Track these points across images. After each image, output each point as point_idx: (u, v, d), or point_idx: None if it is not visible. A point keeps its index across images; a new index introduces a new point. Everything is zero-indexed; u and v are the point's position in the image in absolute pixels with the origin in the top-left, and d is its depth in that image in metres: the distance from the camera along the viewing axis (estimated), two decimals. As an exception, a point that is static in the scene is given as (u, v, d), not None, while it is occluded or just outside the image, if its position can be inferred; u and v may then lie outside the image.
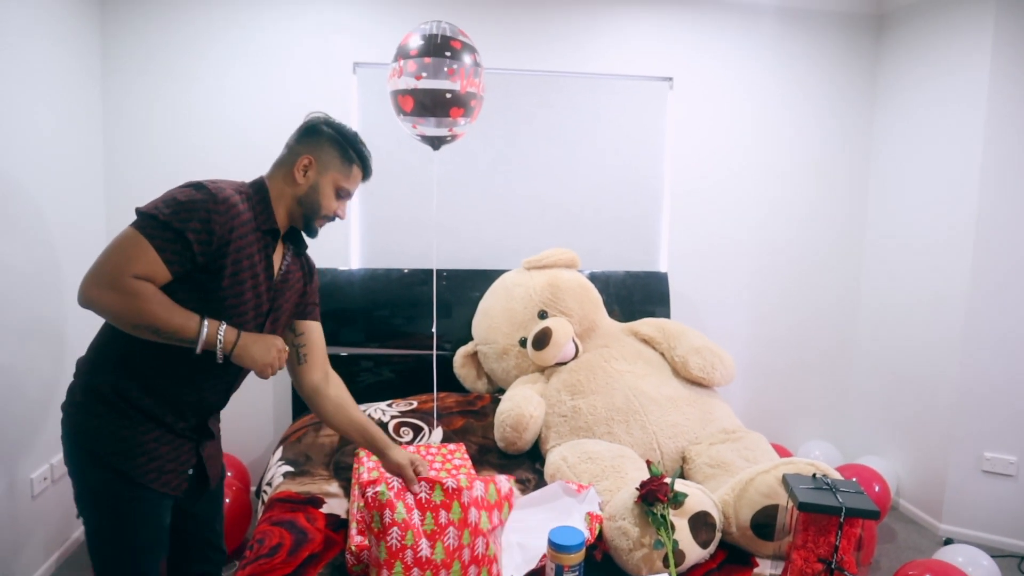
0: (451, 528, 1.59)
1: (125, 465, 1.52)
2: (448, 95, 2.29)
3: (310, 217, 1.69)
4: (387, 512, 1.57)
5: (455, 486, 1.62)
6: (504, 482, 1.69)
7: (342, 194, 1.71)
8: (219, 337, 1.48)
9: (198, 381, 1.59)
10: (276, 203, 1.64)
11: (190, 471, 1.66)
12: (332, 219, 1.73)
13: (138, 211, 1.46)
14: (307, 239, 1.79)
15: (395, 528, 1.57)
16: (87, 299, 1.39)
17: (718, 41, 3.51)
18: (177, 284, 1.47)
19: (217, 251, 1.48)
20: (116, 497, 1.54)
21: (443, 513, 1.60)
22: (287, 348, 1.63)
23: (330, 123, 1.70)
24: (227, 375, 1.66)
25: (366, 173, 1.75)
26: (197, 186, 1.49)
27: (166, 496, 1.60)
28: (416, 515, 1.59)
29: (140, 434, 1.53)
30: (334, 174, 1.68)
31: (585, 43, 3.41)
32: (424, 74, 2.30)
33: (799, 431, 3.85)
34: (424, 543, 1.57)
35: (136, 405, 1.52)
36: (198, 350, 1.46)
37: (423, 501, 1.62)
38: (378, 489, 1.59)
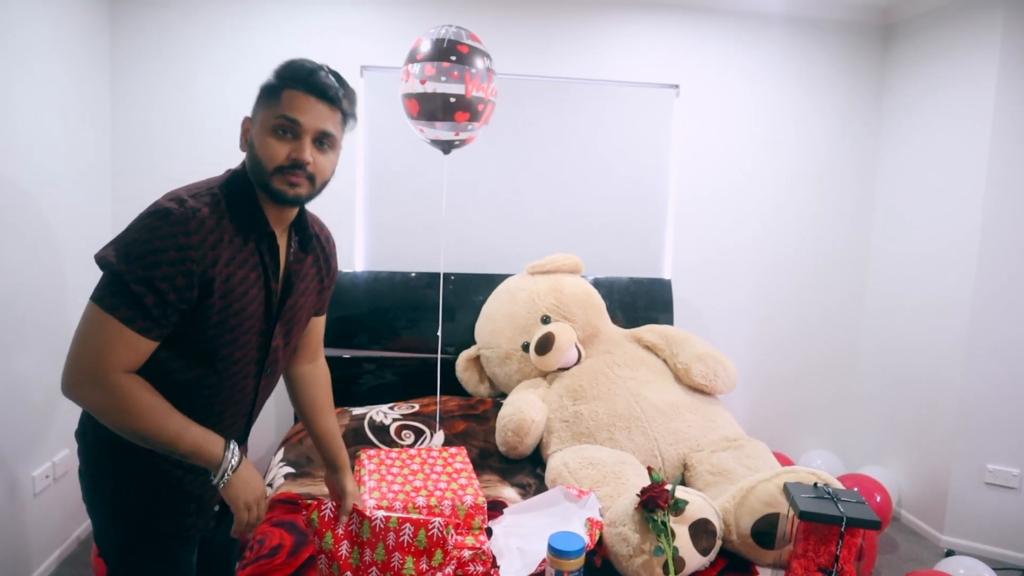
0: (374, 568, 1.54)
1: (153, 519, 1.38)
2: (452, 99, 2.30)
3: (264, 182, 1.33)
4: (316, 539, 1.57)
5: (383, 526, 1.54)
6: (439, 525, 1.55)
7: (282, 130, 1.31)
8: (231, 459, 1.30)
9: (219, 411, 1.41)
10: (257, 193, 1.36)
11: (216, 508, 1.50)
12: (295, 168, 1.31)
13: (98, 261, 1.23)
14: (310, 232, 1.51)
15: (323, 556, 1.57)
16: (71, 396, 1.22)
17: (725, 49, 3.52)
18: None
19: (203, 291, 1.26)
20: (145, 552, 1.40)
21: (368, 551, 1.55)
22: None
23: None
24: (248, 399, 1.47)
25: (312, 88, 1.31)
26: (162, 216, 1.22)
27: (193, 539, 1.48)
28: (345, 546, 1.56)
29: (167, 483, 1.38)
30: (263, 114, 1.32)
31: (593, 49, 3.41)
32: (428, 79, 2.31)
33: (801, 439, 3.84)
34: None
35: (158, 452, 1.32)
36: (216, 477, 1.29)
37: (352, 533, 1.57)
38: (310, 516, 1.56)
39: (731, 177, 3.61)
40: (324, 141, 1.35)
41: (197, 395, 1.36)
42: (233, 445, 1.32)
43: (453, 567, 1.60)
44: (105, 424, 1.24)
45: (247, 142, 1.37)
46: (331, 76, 1.36)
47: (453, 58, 2.30)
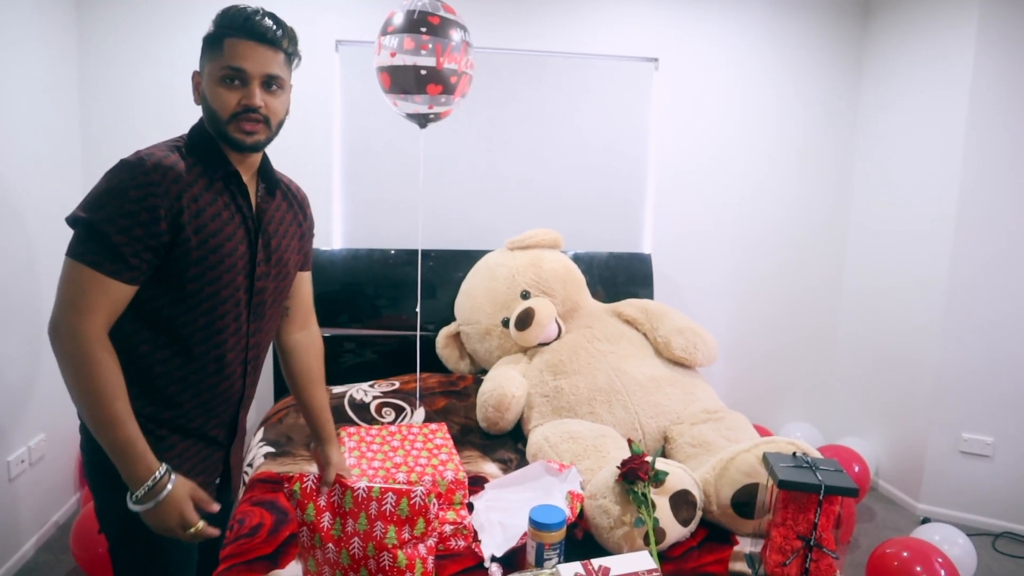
0: (356, 538, 1.53)
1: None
2: (423, 71, 2.27)
3: (220, 129, 1.35)
4: (298, 511, 1.56)
5: (365, 496, 1.53)
6: (420, 494, 1.54)
7: (229, 78, 1.32)
8: (153, 484, 1.26)
9: (203, 371, 1.40)
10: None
11: (217, 481, 1.52)
12: (248, 112, 1.33)
13: (68, 220, 1.26)
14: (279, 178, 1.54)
15: (304, 528, 1.57)
16: (52, 346, 1.25)
17: (704, 22, 3.49)
18: (142, 288, 1.29)
19: (173, 226, 1.27)
20: (139, 521, 1.34)
21: (350, 521, 1.54)
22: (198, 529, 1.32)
23: None
24: (224, 351, 1.42)
25: (250, 34, 1.33)
26: (120, 165, 1.27)
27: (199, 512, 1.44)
28: (327, 518, 1.55)
29: (171, 456, 1.36)
30: (209, 66, 1.34)
31: (571, 22, 3.38)
32: (398, 51, 2.28)
33: (781, 412, 3.87)
34: (331, 547, 1.54)
35: (161, 421, 1.35)
36: (136, 492, 1.26)
37: (334, 505, 1.56)
38: (292, 488, 1.56)
39: (710, 151, 3.60)
40: (272, 83, 1.37)
41: (191, 350, 1.36)
42: (167, 475, 1.29)
43: (435, 539, 1.59)
44: (64, 380, 1.24)
45: (200, 95, 1.38)
46: (268, 18, 1.38)
47: (423, 29, 2.26)
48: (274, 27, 1.37)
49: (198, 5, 3.05)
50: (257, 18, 1.35)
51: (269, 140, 1.41)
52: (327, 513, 1.56)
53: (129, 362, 1.30)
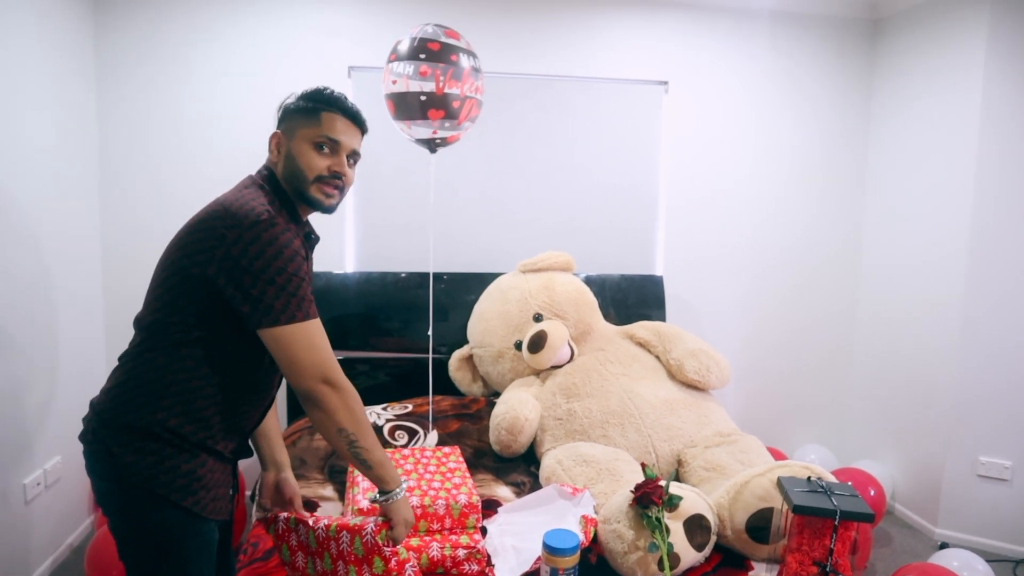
0: None
1: (187, 500, 1.41)
2: (423, 97, 2.30)
3: (301, 190, 1.52)
4: (277, 552, 1.58)
5: (324, 535, 1.51)
6: (371, 531, 1.47)
7: (325, 146, 1.52)
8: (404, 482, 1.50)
9: (244, 401, 1.51)
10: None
11: (231, 491, 1.58)
12: (332, 179, 1.53)
13: (282, 309, 1.37)
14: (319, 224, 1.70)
15: (287, 567, 1.58)
16: (315, 403, 1.39)
17: (713, 45, 3.52)
18: (232, 330, 1.41)
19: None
20: (178, 536, 1.42)
21: (318, 560, 1.53)
22: None
23: (295, 95, 1.57)
24: (269, 386, 1.59)
25: (347, 113, 1.55)
26: (265, 224, 1.37)
27: (218, 522, 1.52)
28: (300, 557, 1.56)
29: (197, 465, 1.43)
30: (302, 132, 1.52)
31: (580, 46, 3.41)
32: (398, 78, 2.32)
33: (795, 435, 3.85)
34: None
35: (186, 437, 1.41)
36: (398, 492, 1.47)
37: (303, 544, 1.56)
38: (268, 530, 1.59)
39: (722, 173, 3.61)
40: (352, 157, 1.58)
41: (239, 384, 1.48)
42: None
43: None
44: (324, 427, 1.41)
45: (282, 154, 1.54)
46: (352, 104, 1.59)
47: (423, 56, 2.30)
48: (360, 112, 1.60)
49: (211, 39, 3.10)
50: (350, 102, 1.57)
51: (339, 204, 1.59)
52: (299, 552, 1.56)
53: (179, 386, 1.40)
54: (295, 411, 3.08)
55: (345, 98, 1.57)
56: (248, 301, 1.35)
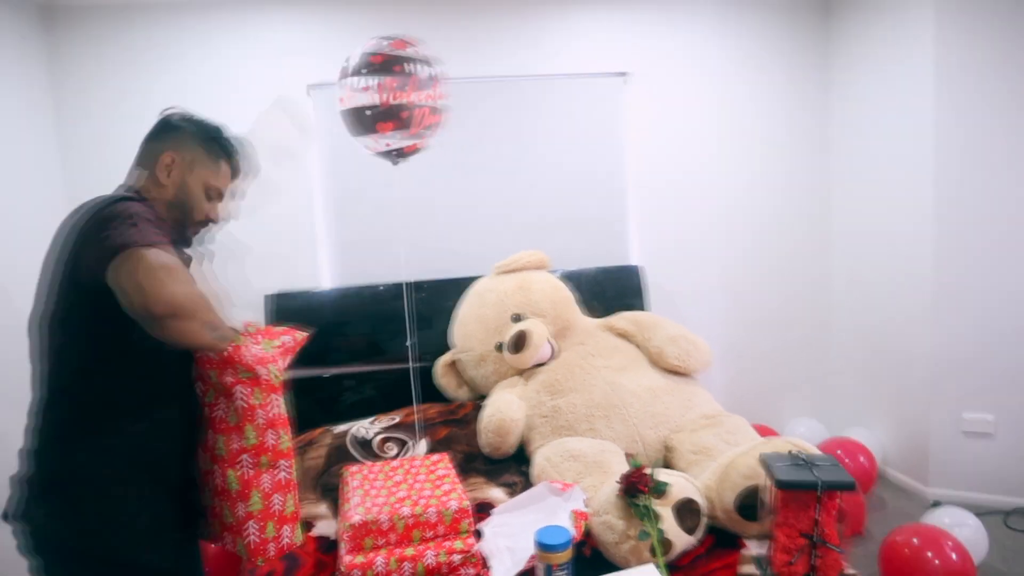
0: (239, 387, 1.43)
1: (129, 553, 1.37)
2: (368, 112, 2.31)
3: (183, 224, 1.53)
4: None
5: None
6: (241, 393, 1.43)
7: (212, 195, 1.55)
8: None
9: (169, 417, 1.46)
10: None
11: (176, 535, 1.51)
12: (207, 224, 1.58)
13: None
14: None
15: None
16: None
17: (669, 33, 3.55)
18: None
19: None
20: None
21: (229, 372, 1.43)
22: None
23: (189, 118, 1.56)
24: (191, 409, 1.49)
25: (235, 170, 1.60)
26: (146, 254, 1.29)
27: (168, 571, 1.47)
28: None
29: (140, 508, 1.39)
30: (201, 171, 1.53)
31: (539, 45, 3.44)
32: (344, 95, 2.35)
33: (784, 410, 3.89)
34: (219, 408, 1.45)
35: (125, 472, 1.38)
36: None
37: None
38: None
39: (687, 158, 3.64)
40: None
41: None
42: None
43: (286, 471, 1.47)
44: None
45: (173, 181, 1.51)
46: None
47: (365, 71, 2.31)
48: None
49: (169, 59, 3.11)
50: (240, 156, 1.60)
51: None
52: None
53: (103, 412, 1.39)
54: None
55: (241, 151, 1.61)
56: None
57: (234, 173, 1.60)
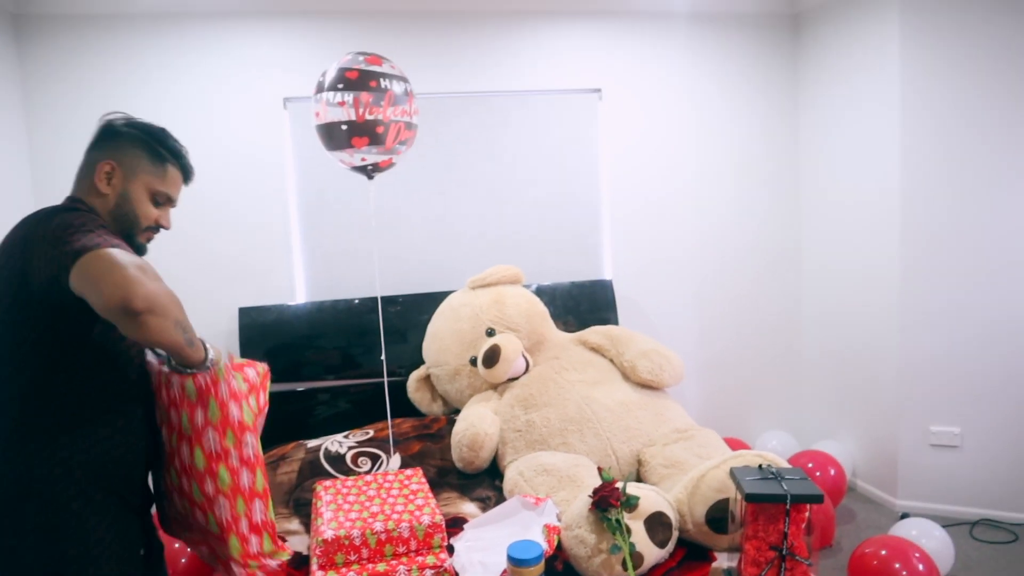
0: (209, 429, 1.44)
1: (83, 565, 1.35)
2: (343, 127, 2.32)
3: (130, 232, 1.51)
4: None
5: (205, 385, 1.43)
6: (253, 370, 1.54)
7: (160, 199, 1.55)
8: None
9: (130, 424, 1.46)
10: None
11: (141, 551, 1.51)
12: (156, 230, 1.58)
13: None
14: None
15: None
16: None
17: (641, 50, 3.60)
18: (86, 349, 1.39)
19: None
20: None
21: (199, 412, 1.43)
22: None
23: (131, 123, 1.54)
24: (146, 415, 1.51)
25: (185, 173, 1.60)
26: (108, 256, 1.30)
27: None
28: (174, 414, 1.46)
29: (90, 528, 1.37)
30: (145, 177, 1.52)
31: (513, 61, 3.46)
32: (320, 110, 2.36)
33: (756, 423, 3.93)
34: (184, 447, 1.45)
35: (79, 484, 1.36)
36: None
37: (175, 398, 1.44)
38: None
39: (660, 174, 3.68)
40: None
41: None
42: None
43: (251, 445, 1.48)
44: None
45: (115, 190, 1.50)
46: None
47: (340, 86, 2.32)
48: (193, 169, 1.64)
49: (143, 73, 3.09)
50: (188, 158, 1.60)
51: None
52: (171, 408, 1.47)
53: (58, 415, 1.39)
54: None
55: (187, 154, 1.61)
56: None
57: (185, 178, 1.61)
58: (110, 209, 1.49)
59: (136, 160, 1.51)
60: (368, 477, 2.32)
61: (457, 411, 2.98)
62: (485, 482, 2.57)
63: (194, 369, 1.40)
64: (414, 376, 3.11)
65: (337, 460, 2.67)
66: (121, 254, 1.29)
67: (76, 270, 1.26)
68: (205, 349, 1.42)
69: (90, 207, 1.47)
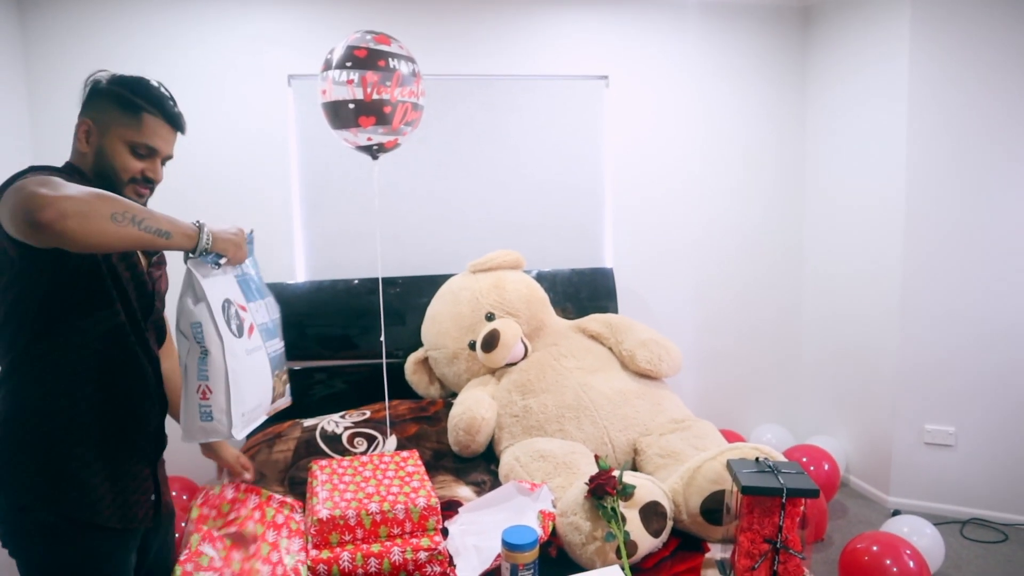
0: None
1: (83, 509, 1.36)
2: (351, 105, 2.30)
3: (114, 187, 1.46)
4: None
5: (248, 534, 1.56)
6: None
7: (141, 151, 1.49)
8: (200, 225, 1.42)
9: (137, 367, 1.52)
10: None
11: (152, 496, 1.53)
12: (145, 182, 1.52)
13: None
14: None
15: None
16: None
17: (650, 38, 3.57)
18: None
19: None
20: (77, 552, 1.36)
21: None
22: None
23: (111, 79, 1.50)
24: (151, 357, 1.58)
25: (171, 120, 1.53)
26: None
27: (133, 533, 1.47)
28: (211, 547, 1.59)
29: (94, 459, 1.39)
30: (118, 130, 1.47)
31: (521, 45, 3.44)
32: (327, 88, 2.33)
33: (751, 416, 3.94)
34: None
35: (83, 424, 1.38)
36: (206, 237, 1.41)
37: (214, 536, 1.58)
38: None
39: (665, 163, 3.67)
40: (166, 160, 1.58)
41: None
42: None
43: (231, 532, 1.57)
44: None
45: (92, 147, 1.48)
46: (175, 103, 1.55)
47: (349, 64, 2.30)
48: (182, 114, 1.56)
49: (146, 52, 3.06)
50: (172, 103, 1.53)
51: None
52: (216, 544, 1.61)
53: (56, 354, 1.42)
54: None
55: (168, 99, 1.53)
56: None
57: (173, 124, 1.54)
58: (91, 166, 1.49)
59: (108, 114, 1.48)
60: (364, 458, 2.32)
61: (454, 394, 2.98)
62: (481, 466, 2.57)
63: (200, 255, 1.43)
64: (412, 358, 3.11)
65: (333, 440, 2.67)
66: (33, 178, 1.21)
67: (1, 208, 1.24)
68: (200, 233, 1.42)
69: (75, 168, 1.49)
